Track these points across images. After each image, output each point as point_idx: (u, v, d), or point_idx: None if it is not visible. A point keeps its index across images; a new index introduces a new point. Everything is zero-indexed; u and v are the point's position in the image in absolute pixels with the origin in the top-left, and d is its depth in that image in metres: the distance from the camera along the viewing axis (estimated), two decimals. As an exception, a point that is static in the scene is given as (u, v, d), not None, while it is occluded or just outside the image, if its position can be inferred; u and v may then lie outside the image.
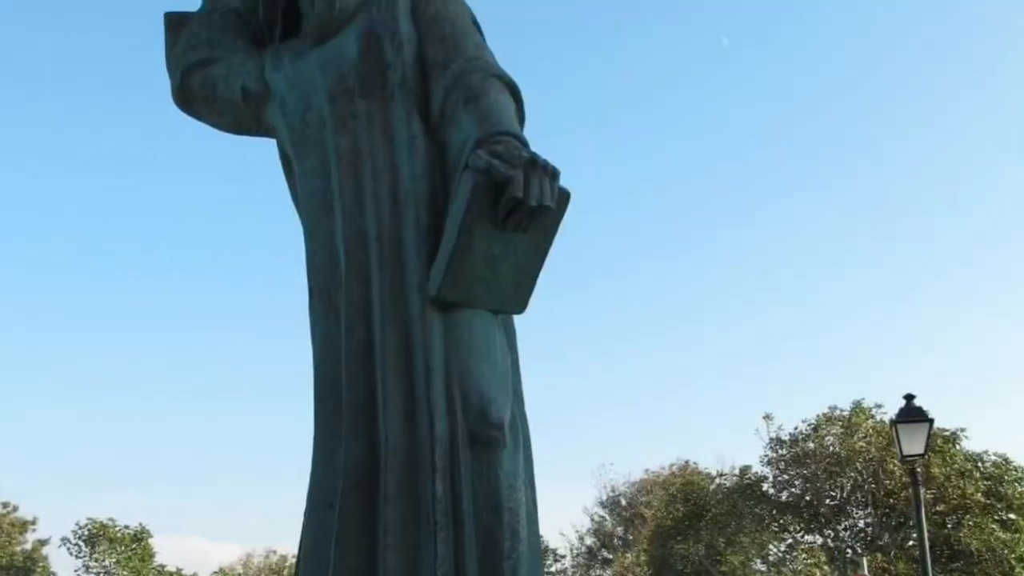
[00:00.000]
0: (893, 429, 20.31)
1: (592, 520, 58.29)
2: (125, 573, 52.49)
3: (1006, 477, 35.36)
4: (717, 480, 43.24)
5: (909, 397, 19.86)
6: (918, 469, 19.92)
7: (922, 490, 20.20)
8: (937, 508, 33.97)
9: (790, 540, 40.05)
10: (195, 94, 5.65)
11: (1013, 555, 33.78)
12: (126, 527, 53.78)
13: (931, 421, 19.83)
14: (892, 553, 35.20)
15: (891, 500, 35.78)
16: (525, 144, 4.60)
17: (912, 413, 19.70)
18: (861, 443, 36.37)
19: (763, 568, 41.93)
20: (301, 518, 4.81)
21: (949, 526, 34.82)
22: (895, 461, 31.57)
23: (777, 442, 38.87)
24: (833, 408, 38.13)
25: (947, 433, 35.14)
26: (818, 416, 38.11)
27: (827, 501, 37.66)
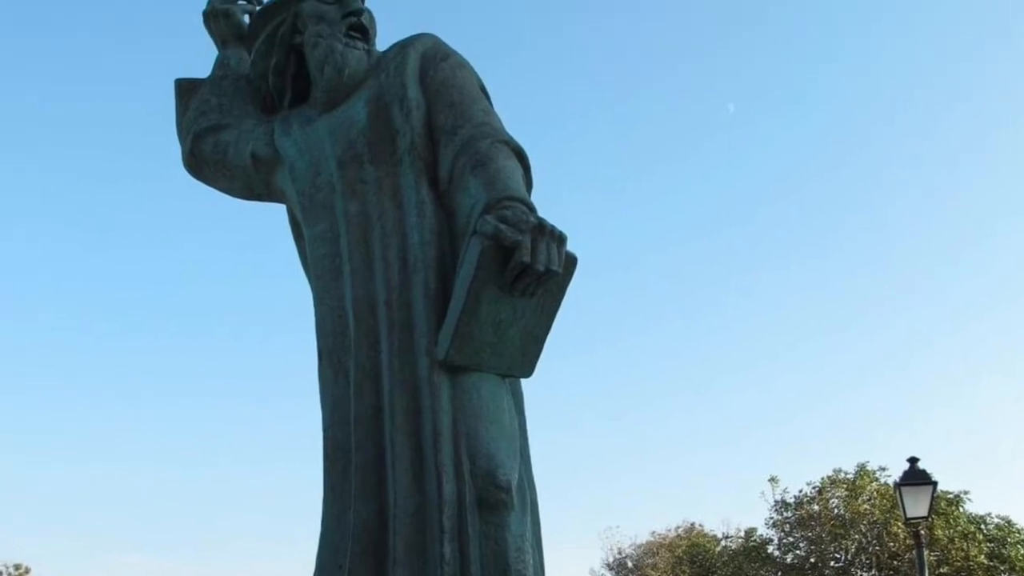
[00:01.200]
0: (897, 492, 20.19)
1: (598, 582, 57.75)
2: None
3: (1009, 539, 35.09)
4: (723, 542, 42.95)
5: (913, 460, 19.78)
6: (922, 531, 19.81)
7: (926, 552, 20.10)
8: (941, 570, 33.72)
9: (795, 603, 39.69)
10: (206, 160, 5.72)
11: (1017, 617, 33.48)
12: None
13: (935, 484, 19.74)
14: (897, 616, 34.89)
15: (895, 562, 35.50)
16: (533, 209, 4.63)
17: (916, 476, 19.62)
18: (865, 505, 36.14)
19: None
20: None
21: (953, 588, 34.55)
22: (899, 523, 31.35)
23: (782, 504, 38.61)
24: (838, 471, 37.92)
25: (951, 496, 34.92)
26: (823, 479, 37.89)
27: (832, 563, 37.36)
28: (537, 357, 4.82)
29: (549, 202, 4.77)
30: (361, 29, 5.51)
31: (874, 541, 36.20)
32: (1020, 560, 34.72)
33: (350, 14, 5.51)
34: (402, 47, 5.39)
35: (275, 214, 5.77)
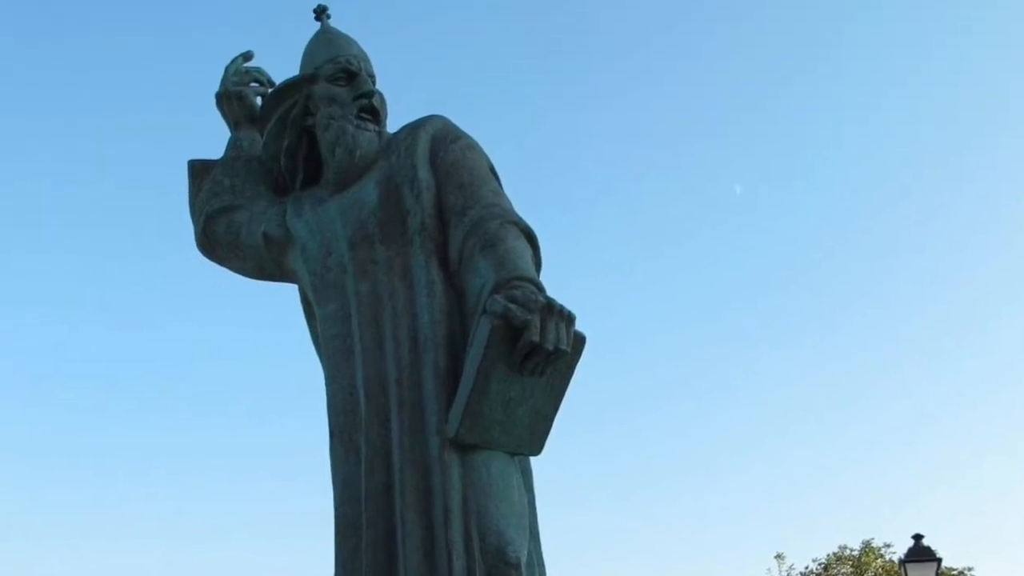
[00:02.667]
0: (902, 568, 20.09)
1: (600, 661, 57.14)
2: None
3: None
4: (728, 620, 42.58)
5: (918, 537, 19.68)
6: (928, 608, 19.64)
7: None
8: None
9: None
10: (218, 240, 5.79)
11: None
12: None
13: (939, 560, 19.67)
14: None
15: (902, 640, 35.19)
16: (542, 289, 4.68)
17: (921, 552, 19.52)
18: (871, 582, 35.90)
19: None
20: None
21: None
22: (905, 601, 31.10)
23: (787, 581, 38.32)
24: (843, 547, 37.69)
25: (955, 572, 34.69)
26: (828, 555, 37.67)
27: (837, 641, 37.02)
28: (546, 435, 4.85)
29: (557, 283, 4.82)
30: (372, 111, 5.59)
31: (880, 618, 35.87)
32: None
33: (361, 96, 5.58)
34: (413, 129, 5.47)
35: (286, 294, 5.82)
